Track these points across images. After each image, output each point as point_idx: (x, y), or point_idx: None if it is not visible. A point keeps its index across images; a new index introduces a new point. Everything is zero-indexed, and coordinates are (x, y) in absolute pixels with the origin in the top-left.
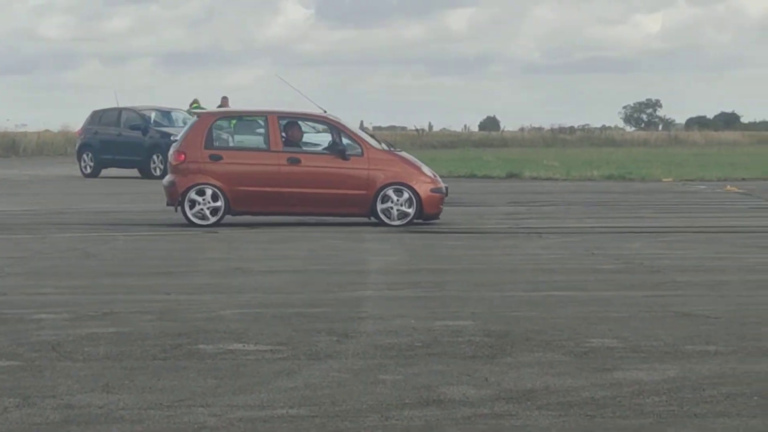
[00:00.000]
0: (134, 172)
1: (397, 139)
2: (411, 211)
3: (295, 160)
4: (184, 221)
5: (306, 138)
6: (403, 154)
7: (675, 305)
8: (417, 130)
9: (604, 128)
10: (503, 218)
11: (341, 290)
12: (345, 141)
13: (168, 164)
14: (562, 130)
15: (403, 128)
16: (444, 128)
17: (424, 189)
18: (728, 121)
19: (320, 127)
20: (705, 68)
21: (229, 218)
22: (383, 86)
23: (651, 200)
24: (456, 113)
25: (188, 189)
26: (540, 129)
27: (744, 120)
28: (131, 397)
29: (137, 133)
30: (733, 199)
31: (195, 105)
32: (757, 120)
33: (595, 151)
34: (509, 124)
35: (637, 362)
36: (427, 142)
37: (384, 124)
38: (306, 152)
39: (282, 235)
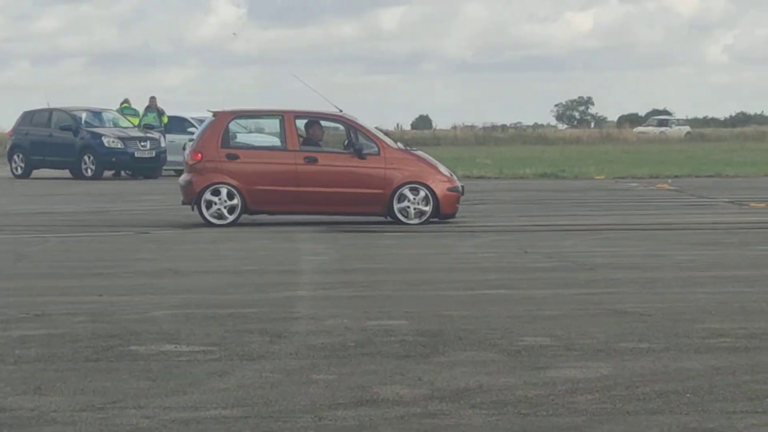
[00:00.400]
0: (65, 173)
1: (328, 137)
2: (428, 209)
3: (312, 159)
4: (112, 223)
5: (244, 138)
6: (420, 153)
7: (608, 303)
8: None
9: (536, 126)
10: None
11: (274, 290)
12: (361, 140)
13: (184, 163)
14: (494, 128)
15: (336, 128)
16: (376, 127)
17: (440, 188)
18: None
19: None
20: (637, 66)
21: (245, 217)
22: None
23: (584, 198)
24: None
25: (205, 188)
26: (472, 127)
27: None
28: (63, 399)
29: (68, 134)
30: (665, 196)
31: (125, 105)
32: (689, 117)
33: (528, 149)
34: (441, 123)
35: (570, 360)
36: None
37: None
38: (323, 151)
39: (213, 236)
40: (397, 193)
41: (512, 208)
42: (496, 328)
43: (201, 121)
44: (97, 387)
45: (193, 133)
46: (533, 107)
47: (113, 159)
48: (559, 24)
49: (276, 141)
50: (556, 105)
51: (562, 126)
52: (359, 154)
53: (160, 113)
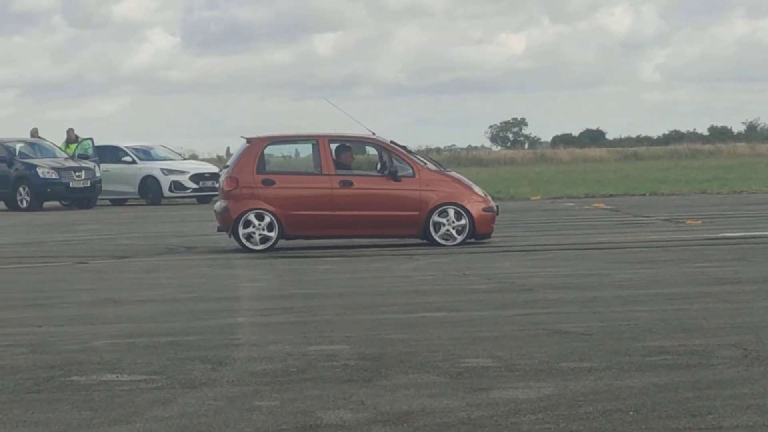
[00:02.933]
0: (0, 204)
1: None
2: (464, 231)
3: (348, 182)
4: (49, 254)
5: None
6: (454, 173)
7: (548, 323)
8: (283, 156)
9: (470, 148)
10: (372, 240)
11: (214, 317)
12: (395, 162)
13: (220, 190)
14: (429, 151)
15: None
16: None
17: (476, 208)
18: (594, 137)
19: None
20: (570, 86)
21: (281, 242)
22: (250, 111)
23: (520, 219)
24: None
25: (242, 214)
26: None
27: (609, 136)
28: (5, 431)
29: (2, 166)
30: (600, 215)
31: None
32: (622, 136)
33: (463, 171)
34: None
35: (512, 381)
36: None
37: None
38: (358, 175)
39: (151, 264)
40: (433, 214)
41: None
42: (437, 351)
43: (136, 149)
44: (40, 418)
45: (128, 162)
46: (467, 129)
47: (48, 189)
48: (492, 46)
49: (312, 165)
50: (490, 126)
51: (496, 147)
52: (394, 177)
53: (78, 143)
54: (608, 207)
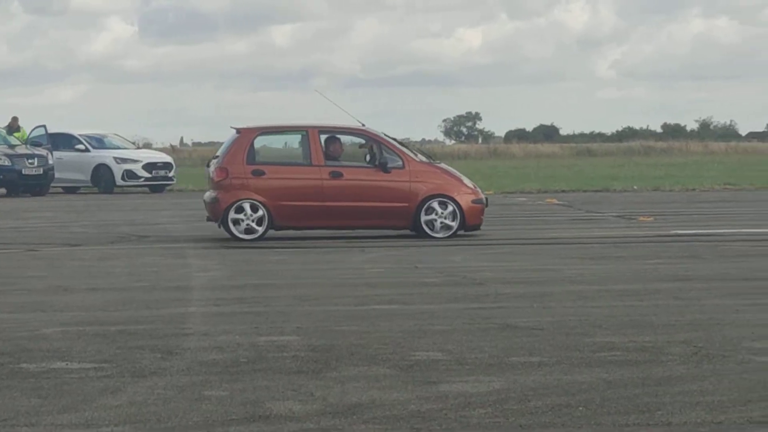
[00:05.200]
0: None
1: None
2: (455, 223)
3: (338, 174)
4: (2, 240)
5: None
6: (443, 165)
7: (499, 317)
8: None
9: (424, 142)
10: (323, 232)
11: (165, 307)
12: (385, 154)
13: (209, 180)
14: None
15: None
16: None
17: (465, 200)
18: (547, 133)
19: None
20: (526, 81)
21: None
22: (207, 101)
23: None
24: None
25: (231, 204)
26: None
27: (563, 132)
28: None
29: None
30: (553, 210)
31: None
32: (576, 132)
33: None
34: None
35: (462, 374)
36: None
37: (204, 140)
38: (348, 166)
39: (103, 252)
40: (424, 206)
41: None
42: (388, 343)
43: (89, 137)
44: None
45: (81, 150)
46: (422, 123)
47: (1, 177)
48: (450, 40)
49: (302, 156)
50: (444, 120)
51: (449, 141)
52: (384, 168)
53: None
54: (561, 202)
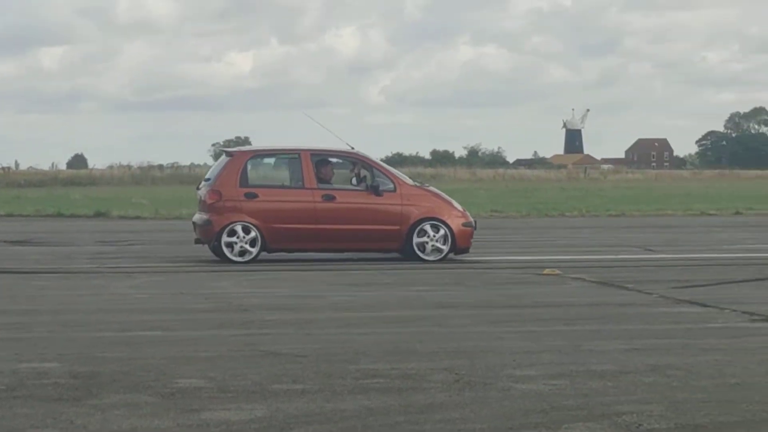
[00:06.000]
0: None
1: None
2: (445, 246)
3: (330, 197)
4: None
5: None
6: (433, 189)
7: (263, 344)
8: (2, 168)
9: (193, 166)
10: (91, 258)
11: None
12: (377, 177)
13: (200, 203)
14: (151, 168)
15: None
16: (31, 166)
17: (456, 223)
18: None
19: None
20: (296, 106)
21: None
22: None
23: None
24: (44, 151)
25: (224, 227)
26: (129, 167)
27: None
28: None
29: None
30: None
31: None
32: None
33: (185, 190)
34: (99, 162)
35: (224, 402)
36: (14, 181)
37: None
38: (341, 189)
39: None
40: (416, 229)
41: (169, 249)
42: (151, 370)
43: None
44: None
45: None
46: (191, 147)
47: None
48: (220, 64)
49: (294, 179)
50: (213, 144)
51: None
52: (376, 192)
53: None
54: None
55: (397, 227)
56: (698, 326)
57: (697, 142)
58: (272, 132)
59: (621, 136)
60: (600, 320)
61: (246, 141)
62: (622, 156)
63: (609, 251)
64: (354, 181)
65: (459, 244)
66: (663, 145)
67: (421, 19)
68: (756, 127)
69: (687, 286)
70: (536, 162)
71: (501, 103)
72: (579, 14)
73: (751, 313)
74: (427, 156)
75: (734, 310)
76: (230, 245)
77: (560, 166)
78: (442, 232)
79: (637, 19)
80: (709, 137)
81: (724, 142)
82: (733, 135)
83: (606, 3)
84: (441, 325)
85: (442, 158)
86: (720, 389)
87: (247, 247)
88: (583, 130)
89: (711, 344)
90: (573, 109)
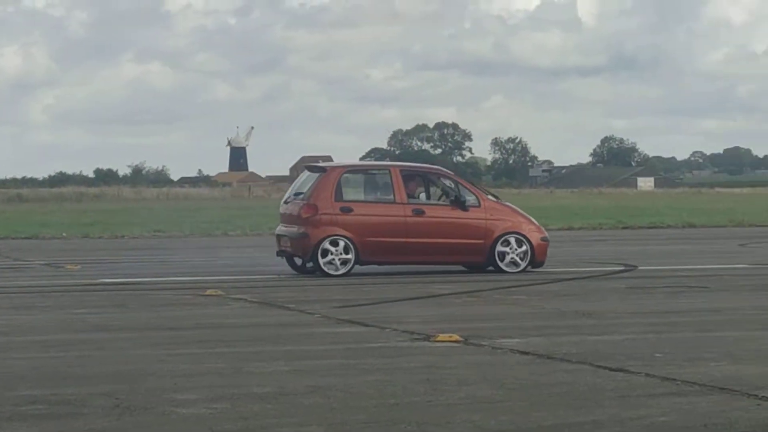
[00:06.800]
0: None
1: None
2: (526, 259)
3: (420, 211)
4: None
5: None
6: (510, 204)
7: None
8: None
9: None
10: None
11: None
12: (462, 193)
13: (290, 216)
14: None
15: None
16: None
17: (535, 237)
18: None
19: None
20: None
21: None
22: None
23: None
24: None
25: (321, 240)
26: None
27: None
28: None
29: None
30: None
31: None
32: (7, 177)
33: None
34: None
35: None
36: None
37: None
38: (429, 203)
39: None
40: (499, 242)
41: None
42: None
43: None
44: None
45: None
46: None
47: None
48: None
49: (386, 194)
50: None
51: None
52: (462, 206)
53: None
54: None
55: (482, 241)
56: (359, 346)
57: (361, 159)
58: None
59: (286, 153)
60: (261, 341)
61: None
62: (287, 174)
63: (271, 271)
64: (440, 196)
65: (537, 258)
66: (327, 161)
67: (84, 36)
68: (419, 143)
69: (349, 305)
70: (201, 180)
71: (165, 121)
72: (243, 32)
73: (411, 332)
74: (91, 174)
75: (395, 329)
76: (326, 257)
77: (225, 184)
78: (524, 247)
79: (301, 35)
80: (372, 154)
81: (387, 159)
82: (397, 152)
83: (271, 20)
84: (101, 349)
85: (105, 177)
86: (380, 409)
87: (340, 261)
88: (247, 148)
89: (371, 364)
90: (237, 127)
